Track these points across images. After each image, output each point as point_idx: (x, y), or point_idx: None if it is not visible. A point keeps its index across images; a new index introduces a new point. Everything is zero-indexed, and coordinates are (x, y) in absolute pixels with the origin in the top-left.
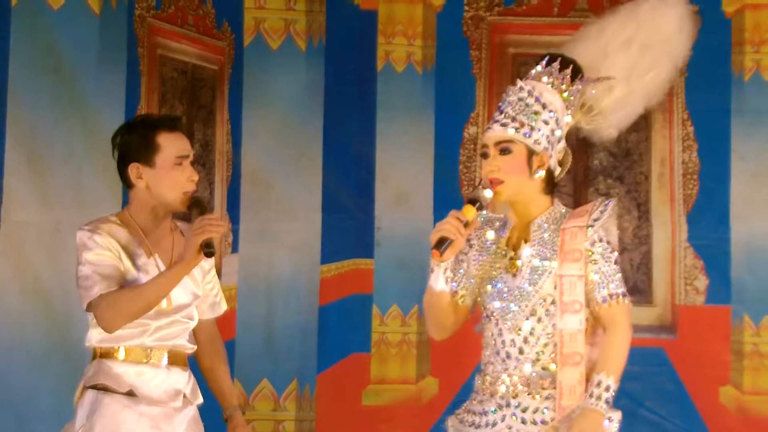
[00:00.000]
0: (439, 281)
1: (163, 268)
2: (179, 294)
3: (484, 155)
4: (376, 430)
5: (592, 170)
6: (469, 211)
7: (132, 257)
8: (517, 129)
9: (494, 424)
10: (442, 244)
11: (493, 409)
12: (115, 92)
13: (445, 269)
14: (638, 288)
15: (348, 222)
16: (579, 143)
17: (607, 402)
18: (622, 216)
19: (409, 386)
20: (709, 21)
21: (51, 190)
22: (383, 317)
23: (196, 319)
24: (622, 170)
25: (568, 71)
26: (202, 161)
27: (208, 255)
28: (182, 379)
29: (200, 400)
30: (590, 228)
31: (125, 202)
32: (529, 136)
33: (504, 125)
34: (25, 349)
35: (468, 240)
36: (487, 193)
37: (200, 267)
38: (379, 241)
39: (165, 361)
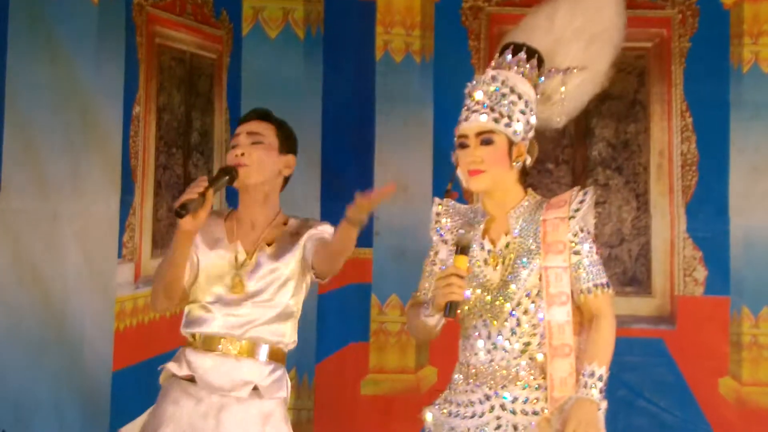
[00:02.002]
0: (440, 322)
1: (242, 253)
2: (251, 281)
3: (462, 145)
4: (374, 420)
5: (591, 161)
6: (464, 263)
7: (211, 243)
8: (497, 120)
9: (482, 415)
10: (452, 308)
11: (481, 400)
12: (114, 81)
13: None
14: (637, 279)
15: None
16: (578, 134)
17: (600, 392)
18: (621, 207)
19: (408, 376)
20: (707, 13)
21: (49, 179)
22: (382, 306)
23: (282, 306)
24: (621, 161)
25: (535, 61)
26: (201, 149)
27: (178, 215)
28: (257, 371)
29: (281, 394)
30: (572, 219)
31: (124, 191)
32: (510, 127)
33: (484, 115)
34: (23, 338)
35: (441, 237)
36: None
37: (288, 245)
38: (378, 230)
39: (237, 350)
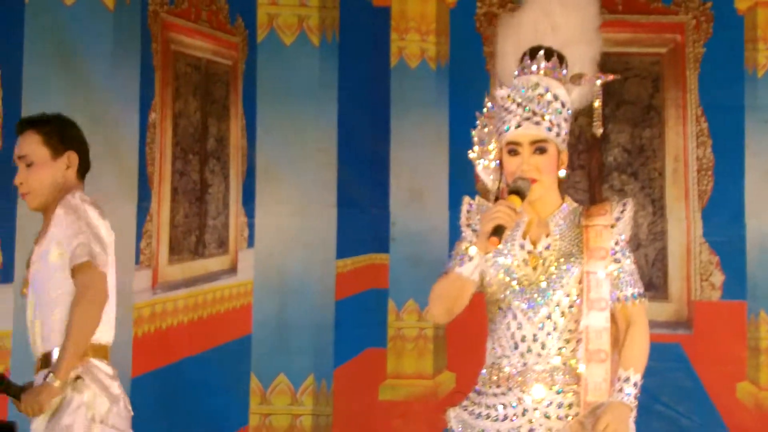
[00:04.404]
0: (476, 270)
1: (36, 250)
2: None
3: (513, 152)
4: (392, 425)
5: (606, 166)
6: (517, 202)
7: None
8: (550, 128)
9: (514, 418)
10: (498, 231)
11: (514, 403)
12: (129, 88)
13: (485, 259)
14: (654, 284)
15: (363, 217)
16: (593, 140)
17: (635, 398)
18: (637, 212)
19: (426, 381)
20: (721, 18)
21: None
22: (399, 312)
23: (47, 295)
24: (637, 166)
25: (565, 68)
26: (217, 155)
27: None
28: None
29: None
30: (614, 227)
31: (140, 198)
32: (559, 136)
33: (538, 124)
34: None
35: (474, 231)
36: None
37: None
38: (394, 236)
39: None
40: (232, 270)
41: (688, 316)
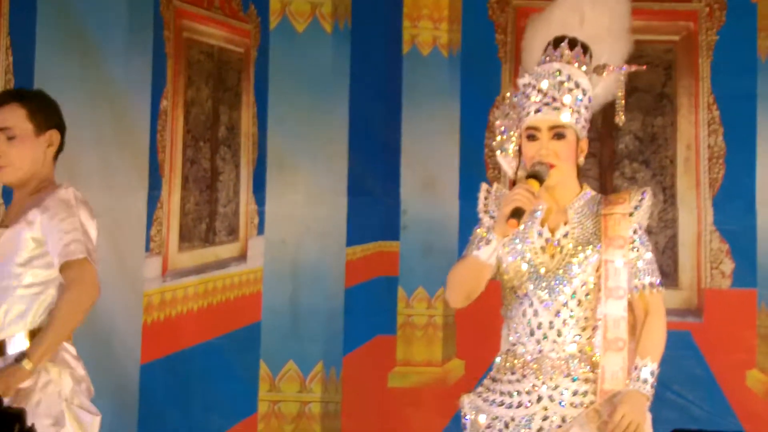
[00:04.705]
0: (493, 254)
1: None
2: None
3: (532, 137)
4: (402, 413)
5: (617, 154)
6: (535, 186)
7: None
8: (569, 115)
9: (528, 406)
10: (516, 214)
11: (528, 390)
12: (142, 75)
13: (503, 243)
14: (664, 271)
15: (374, 205)
16: (605, 127)
17: (652, 386)
18: None
19: (435, 369)
20: (734, 6)
21: (78, 174)
22: (409, 300)
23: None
24: (648, 154)
25: (589, 57)
26: (228, 143)
27: None
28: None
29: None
30: (632, 216)
31: (151, 185)
32: (578, 123)
33: (557, 109)
34: None
35: (492, 218)
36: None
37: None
38: (405, 224)
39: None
40: (242, 257)
41: (698, 304)
